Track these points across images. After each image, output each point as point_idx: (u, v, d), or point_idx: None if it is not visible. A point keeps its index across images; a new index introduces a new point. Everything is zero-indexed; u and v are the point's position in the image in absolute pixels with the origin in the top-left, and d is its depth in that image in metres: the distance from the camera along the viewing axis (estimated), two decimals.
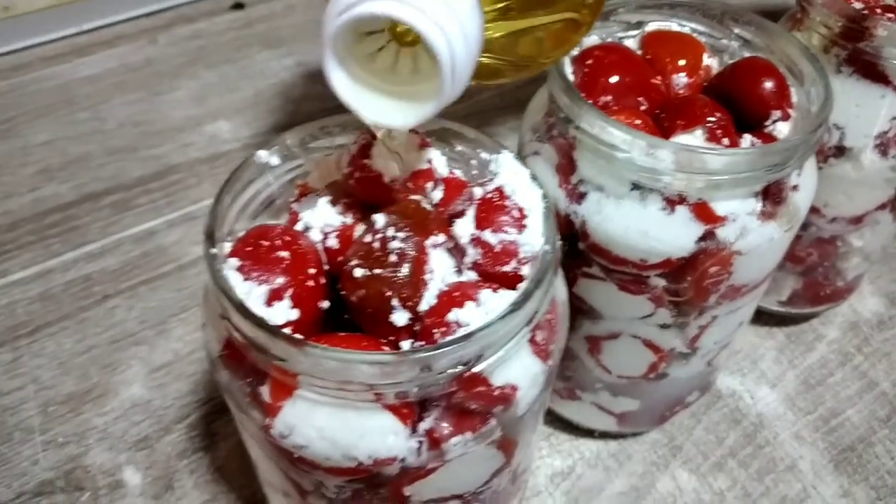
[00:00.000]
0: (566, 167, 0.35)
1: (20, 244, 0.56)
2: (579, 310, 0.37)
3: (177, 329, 0.51)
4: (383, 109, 0.25)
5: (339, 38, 0.22)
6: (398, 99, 0.25)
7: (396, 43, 0.25)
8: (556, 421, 0.47)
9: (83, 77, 0.70)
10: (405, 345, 0.27)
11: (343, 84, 0.24)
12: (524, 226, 0.28)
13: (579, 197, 0.34)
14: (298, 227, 0.30)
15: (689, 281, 0.34)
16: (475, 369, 0.25)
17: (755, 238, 0.33)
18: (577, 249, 0.35)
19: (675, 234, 0.33)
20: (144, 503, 0.43)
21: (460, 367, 0.25)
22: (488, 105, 0.68)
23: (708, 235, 0.33)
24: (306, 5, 0.78)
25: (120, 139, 0.64)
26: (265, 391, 0.26)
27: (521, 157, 0.37)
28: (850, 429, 0.48)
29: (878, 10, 0.40)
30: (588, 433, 0.47)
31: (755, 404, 0.49)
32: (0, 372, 0.48)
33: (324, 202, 0.29)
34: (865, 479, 0.46)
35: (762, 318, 0.53)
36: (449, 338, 0.25)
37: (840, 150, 0.42)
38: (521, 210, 0.28)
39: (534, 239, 0.28)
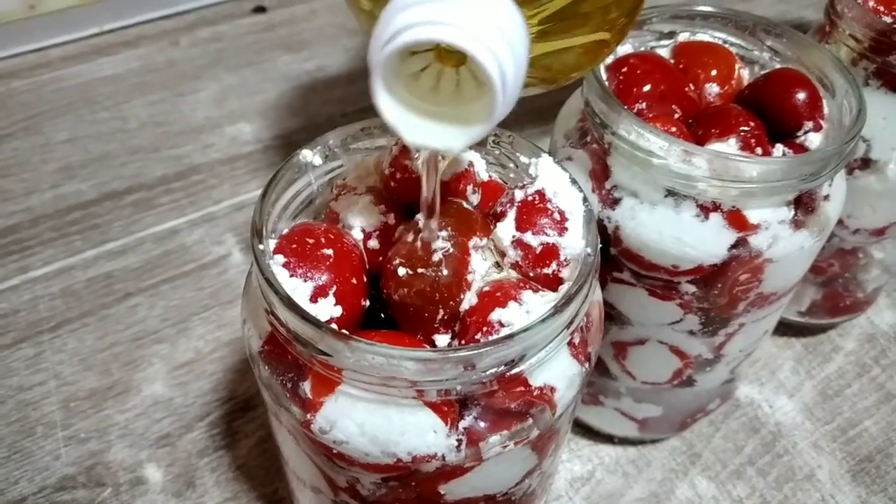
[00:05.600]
0: (600, 173, 0.35)
1: (42, 240, 0.56)
2: (607, 316, 0.38)
3: (198, 328, 0.51)
4: (430, 132, 0.23)
5: (388, 64, 0.21)
6: (444, 121, 0.23)
7: (439, 63, 0.24)
8: (575, 426, 0.47)
9: (105, 76, 0.70)
10: (442, 342, 0.27)
11: (389, 107, 0.22)
12: (565, 228, 0.28)
13: (613, 202, 0.34)
14: (339, 225, 0.30)
15: (720, 288, 0.35)
16: (516, 369, 0.26)
17: (786, 246, 0.34)
18: (608, 255, 0.35)
19: (708, 241, 0.33)
20: (165, 500, 0.43)
21: (503, 367, 0.25)
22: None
23: (740, 243, 0.33)
24: (328, 9, 0.78)
25: (141, 139, 0.64)
26: (306, 387, 0.27)
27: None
28: (868, 440, 0.49)
29: None
30: (607, 439, 0.47)
31: (773, 413, 0.50)
32: (22, 367, 0.49)
33: (365, 202, 0.30)
34: (884, 490, 0.46)
35: (780, 328, 0.53)
36: (493, 337, 0.26)
37: (866, 163, 0.42)
38: (561, 213, 0.28)
39: (575, 242, 0.28)
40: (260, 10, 0.78)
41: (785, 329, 0.53)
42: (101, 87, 0.69)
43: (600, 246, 0.28)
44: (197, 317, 0.52)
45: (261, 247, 0.26)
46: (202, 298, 0.53)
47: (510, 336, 0.25)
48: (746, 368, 0.44)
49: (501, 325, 0.26)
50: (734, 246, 0.33)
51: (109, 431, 0.46)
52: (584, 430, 0.47)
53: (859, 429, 0.49)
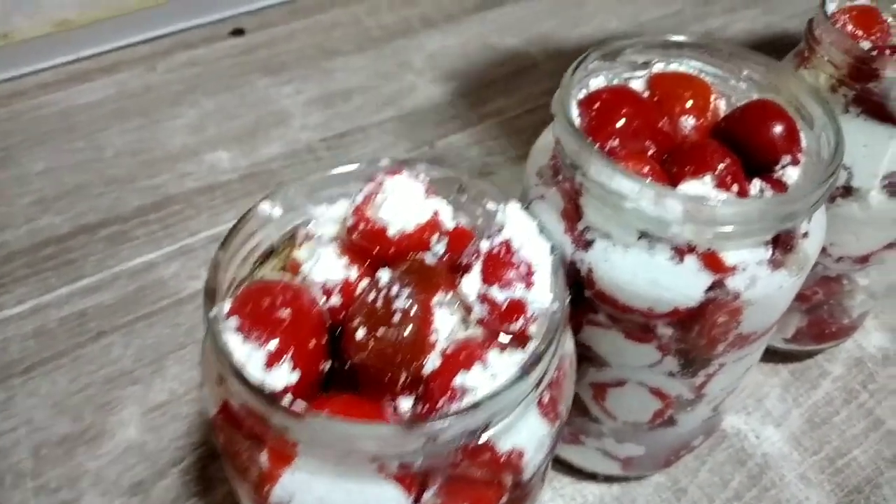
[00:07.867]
0: (572, 213, 0.34)
1: (15, 278, 0.55)
2: (585, 357, 0.37)
3: (173, 367, 0.50)
4: None
5: None
6: None
7: None
8: (558, 464, 0.46)
9: (81, 104, 0.69)
10: (405, 406, 0.26)
11: None
12: (532, 282, 0.27)
13: (586, 244, 0.33)
14: (298, 279, 0.29)
15: (698, 330, 0.34)
16: (482, 439, 0.25)
17: (764, 287, 0.33)
18: (582, 297, 0.34)
19: (683, 284, 0.32)
20: None
21: (467, 437, 0.24)
22: (486, 136, 0.68)
23: (717, 285, 0.32)
24: (307, 31, 0.78)
25: (118, 168, 0.63)
26: (263, 457, 0.26)
27: (527, 200, 0.36)
28: (857, 469, 0.48)
29: (887, 51, 0.40)
30: (591, 476, 0.46)
31: (760, 444, 0.49)
32: None
33: (328, 254, 0.29)
34: None
35: (766, 354, 0.51)
36: (455, 407, 0.25)
37: (847, 191, 0.41)
38: (528, 266, 0.27)
39: (542, 296, 0.27)
40: (238, 32, 0.77)
41: (771, 356, 0.52)
42: (77, 114, 0.68)
43: (572, 293, 0.27)
44: (172, 355, 0.51)
45: (212, 314, 0.25)
46: (178, 336, 0.52)
47: (474, 406, 0.24)
48: (730, 403, 0.43)
49: (465, 390, 0.25)
50: (711, 288, 0.32)
51: (81, 479, 0.44)
52: (566, 467, 0.46)
53: (848, 458, 0.48)
